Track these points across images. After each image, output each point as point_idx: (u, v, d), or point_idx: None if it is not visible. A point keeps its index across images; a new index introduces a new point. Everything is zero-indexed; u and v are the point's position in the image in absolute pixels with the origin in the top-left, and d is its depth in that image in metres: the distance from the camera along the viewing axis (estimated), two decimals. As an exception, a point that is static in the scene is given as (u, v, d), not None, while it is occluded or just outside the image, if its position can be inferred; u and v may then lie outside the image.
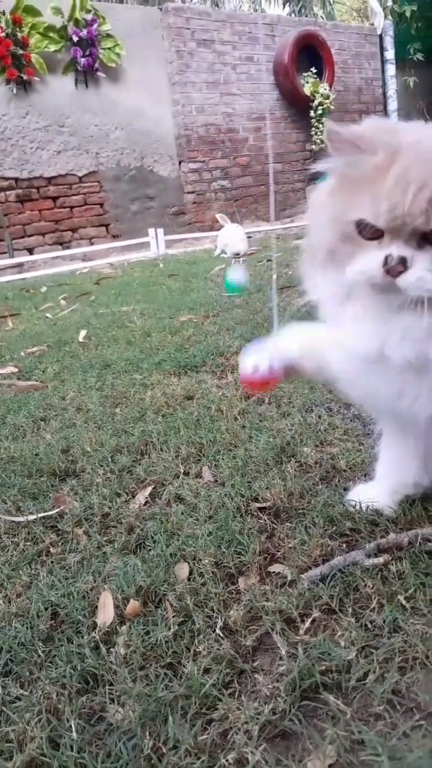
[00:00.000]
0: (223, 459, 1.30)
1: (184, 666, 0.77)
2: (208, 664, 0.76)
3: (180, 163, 6.72)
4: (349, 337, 0.84)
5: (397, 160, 0.71)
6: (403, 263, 0.72)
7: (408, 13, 7.61)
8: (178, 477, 1.27)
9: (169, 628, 0.82)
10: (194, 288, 3.59)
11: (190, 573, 0.94)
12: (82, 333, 2.62)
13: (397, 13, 7.70)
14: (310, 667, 0.73)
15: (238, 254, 5.06)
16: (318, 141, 7.12)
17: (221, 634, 0.80)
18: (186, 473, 1.29)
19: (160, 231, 6.03)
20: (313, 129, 7.10)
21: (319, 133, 7.09)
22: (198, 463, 1.32)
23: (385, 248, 0.73)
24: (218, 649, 0.78)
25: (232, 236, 5.19)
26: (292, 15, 9.87)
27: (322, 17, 10.00)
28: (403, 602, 0.81)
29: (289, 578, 0.91)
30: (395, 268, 0.73)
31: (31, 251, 5.87)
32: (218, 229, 5.41)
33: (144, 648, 0.80)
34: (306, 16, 9.83)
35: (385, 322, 0.79)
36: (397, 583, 0.86)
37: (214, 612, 0.85)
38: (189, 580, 0.93)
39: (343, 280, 0.79)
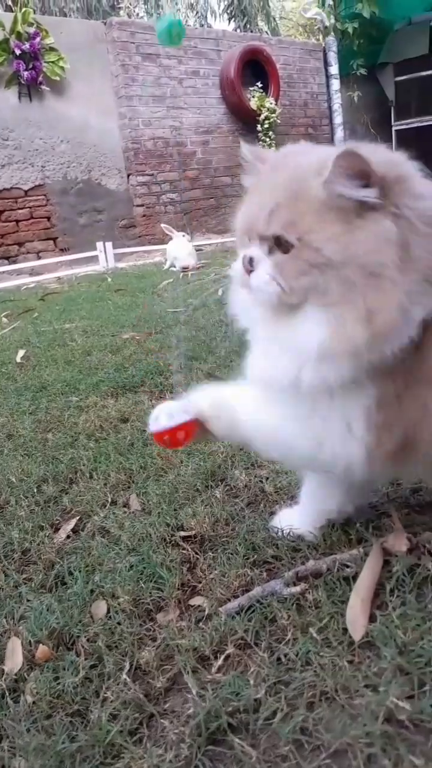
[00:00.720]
0: (152, 486, 1.29)
1: (91, 712, 0.74)
2: (116, 709, 0.74)
3: (128, 176, 6.69)
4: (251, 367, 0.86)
5: (271, 175, 0.79)
6: (251, 263, 0.78)
7: (351, 30, 7.80)
8: (106, 506, 1.25)
9: (78, 673, 0.79)
10: (140, 303, 3.57)
11: (108, 611, 0.92)
12: (21, 353, 2.57)
13: (340, 30, 7.88)
14: (218, 708, 0.71)
15: (186, 268, 5.06)
16: (265, 154, 7.20)
17: (128, 678, 0.78)
18: (114, 502, 1.26)
19: (109, 244, 5.99)
20: (261, 142, 7.18)
21: (266, 147, 7.17)
22: (127, 490, 1.30)
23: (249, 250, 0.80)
24: (127, 693, 0.76)
25: (180, 250, 5.20)
26: (238, 30, 10.01)
27: (267, 33, 10.17)
28: (315, 634, 0.81)
29: (206, 612, 0.90)
30: (246, 266, 0.79)
31: (-25, 266, 5.74)
32: (167, 242, 5.41)
33: (51, 696, 0.77)
34: (251, 31, 9.98)
35: (270, 339, 0.83)
36: (312, 612, 0.86)
37: (126, 654, 0.82)
38: (106, 618, 0.91)
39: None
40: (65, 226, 6.33)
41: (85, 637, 0.86)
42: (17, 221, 6.02)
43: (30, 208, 6.10)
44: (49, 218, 6.23)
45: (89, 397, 1.92)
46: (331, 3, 7.64)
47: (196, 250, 5.44)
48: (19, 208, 6.02)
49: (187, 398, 0.96)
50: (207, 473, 1.31)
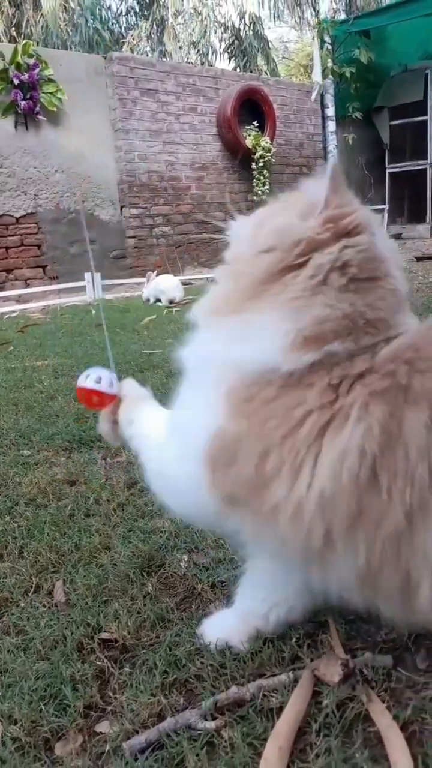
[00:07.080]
0: (82, 572, 1.18)
1: None
2: None
3: (122, 208, 6.70)
4: None
5: None
6: None
7: (348, 74, 7.92)
8: (28, 593, 1.14)
9: None
10: (118, 341, 3.49)
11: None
12: (-18, 395, 2.47)
13: (338, 74, 8.00)
14: None
15: (172, 301, 5.02)
16: (259, 192, 7.24)
17: None
18: (37, 589, 1.16)
19: (97, 275, 5.95)
20: (255, 180, 7.22)
21: (260, 185, 7.21)
22: (55, 574, 1.20)
23: None
24: None
25: (167, 282, 5.15)
26: (237, 69, 10.16)
27: (266, 73, 10.34)
28: (220, 794, 0.70)
29: (108, 747, 0.79)
30: None
31: (-39, 292, 5.69)
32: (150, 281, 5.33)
33: None
34: (251, 71, 10.14)
35: None
36: (225, 757, 0.76)
37: (2, 807, 0.72)
38: (-4, 748, 0.80)
39: None
40: (56, 255, 6.30)
41: (-39, 779, 0.75)
42: (7, 248, 5.99)
43: (21, 235, 6.08)
44: (39, 246, 6.21)
45: (41, 452, 1.82)
46: (330, 47, 7.77)
47: (184, 285, 5.40)
48: (10, 235, 6.00)
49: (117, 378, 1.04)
50: (144, 557, 1.21)
